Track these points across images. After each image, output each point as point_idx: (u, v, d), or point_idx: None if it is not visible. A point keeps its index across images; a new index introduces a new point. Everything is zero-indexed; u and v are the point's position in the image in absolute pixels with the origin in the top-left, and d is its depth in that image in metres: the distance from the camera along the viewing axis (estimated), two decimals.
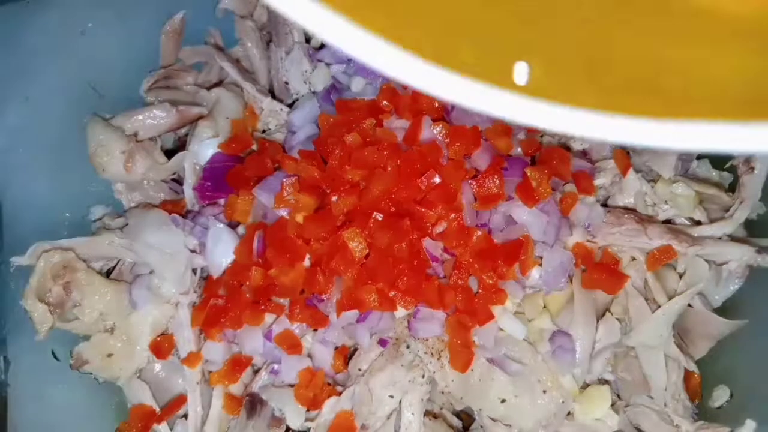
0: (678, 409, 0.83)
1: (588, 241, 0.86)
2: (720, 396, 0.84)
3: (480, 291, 0.81)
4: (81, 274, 0.87)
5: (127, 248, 0.89)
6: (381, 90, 0.91)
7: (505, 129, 0.88)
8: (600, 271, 0.84)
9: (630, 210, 0.90)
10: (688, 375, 0.86)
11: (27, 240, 0.88)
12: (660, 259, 0.84)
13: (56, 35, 0.96)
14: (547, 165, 0.86)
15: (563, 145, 0.92)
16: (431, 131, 0.85)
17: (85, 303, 0.86)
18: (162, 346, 0.88)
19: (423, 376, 0.82)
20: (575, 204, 0.86)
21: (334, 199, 0.82)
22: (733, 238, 0.86)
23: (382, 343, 0.83)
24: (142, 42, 1.02)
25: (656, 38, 0.37)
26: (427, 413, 0.84)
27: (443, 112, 0.89)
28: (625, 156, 0.92)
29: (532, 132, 0.91)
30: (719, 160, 0.92)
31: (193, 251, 0.88)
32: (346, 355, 0.86)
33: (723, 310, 0.88)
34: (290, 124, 0.97)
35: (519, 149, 0.89)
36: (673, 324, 0.84)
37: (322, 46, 1.03)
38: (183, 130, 1.02)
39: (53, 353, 0.89)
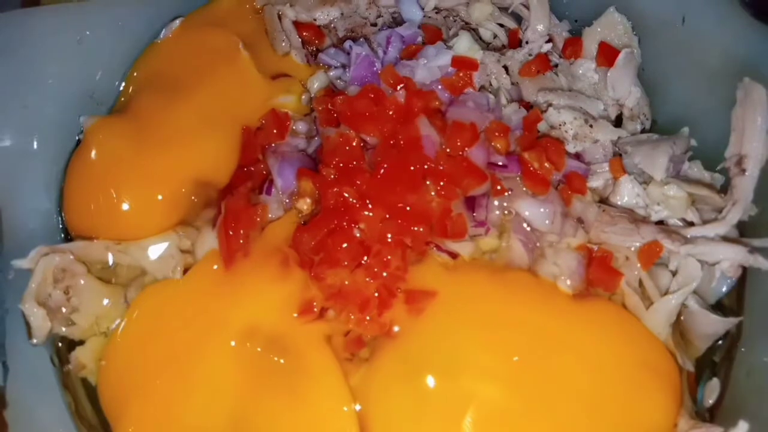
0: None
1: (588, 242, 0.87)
2: (712, 394, 0.84)
3: None
4: (80, 279, 0.87)
5: (123, 252, 0.90)
6: (363, 89, 0.93)
7: (503, 128, 0.90)
8: (598, 269, 0.85)
9: (624, 210, 0.90)
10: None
11: (26, 245, 0.88)
12: (650, 256, 0.84)
13: (54, 43, 0.97)
14: (542, 150, 0.88)
15: None
16: (429, 129, 0.87)
17: (83, 308, 0.87)
18: None
19: None
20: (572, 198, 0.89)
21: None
22: (725, 239, 0.86)
23: None
24: (139, 50, 1.04)
25: None
26: None
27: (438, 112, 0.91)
28: (619, 161, 0.93)
29: (529, 129, 0.93)
30: (711, 162, 0.92)
31: (185, 252, 0.89)
32: None
33: (718, 310, 0.87)
34: None
35: (517, 148, 0.91)
36: (671, 323, 0.84)
37: (319, 50, 1.05)
38: None
39: (51, 358, 0.89)
